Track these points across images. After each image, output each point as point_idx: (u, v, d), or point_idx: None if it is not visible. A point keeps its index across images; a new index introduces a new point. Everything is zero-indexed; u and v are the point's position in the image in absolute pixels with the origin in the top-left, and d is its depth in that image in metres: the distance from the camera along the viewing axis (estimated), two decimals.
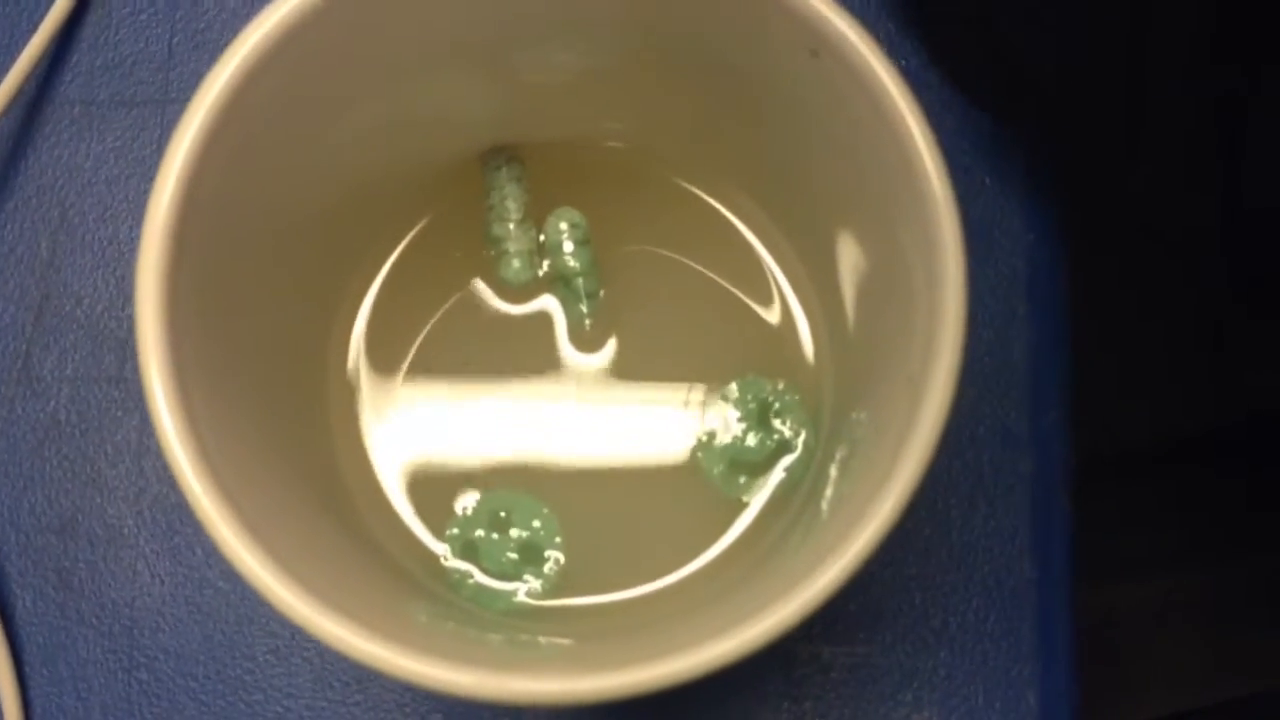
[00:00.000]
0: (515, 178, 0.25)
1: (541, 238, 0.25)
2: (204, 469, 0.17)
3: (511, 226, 0.25)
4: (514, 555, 0.24)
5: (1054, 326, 0.29)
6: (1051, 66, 0.28)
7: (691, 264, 0.25)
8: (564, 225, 0.25)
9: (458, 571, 0.24)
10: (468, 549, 0.24)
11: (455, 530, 0.24)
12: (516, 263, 0.25)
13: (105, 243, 0.30)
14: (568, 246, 0.25)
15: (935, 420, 0.17)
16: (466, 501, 0.24)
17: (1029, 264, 0.29)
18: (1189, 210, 0.29)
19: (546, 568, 0.24)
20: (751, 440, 0.25)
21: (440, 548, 0.24)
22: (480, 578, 0.24)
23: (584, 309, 0.25)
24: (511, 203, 0.25)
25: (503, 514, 0.24)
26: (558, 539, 0.24)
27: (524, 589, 0.24)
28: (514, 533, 0.24)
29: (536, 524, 0.24)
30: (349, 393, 0.25)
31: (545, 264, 0.25)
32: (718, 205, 0.25)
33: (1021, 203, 0.29)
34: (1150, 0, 0.26)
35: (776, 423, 0.25)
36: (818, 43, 0.18)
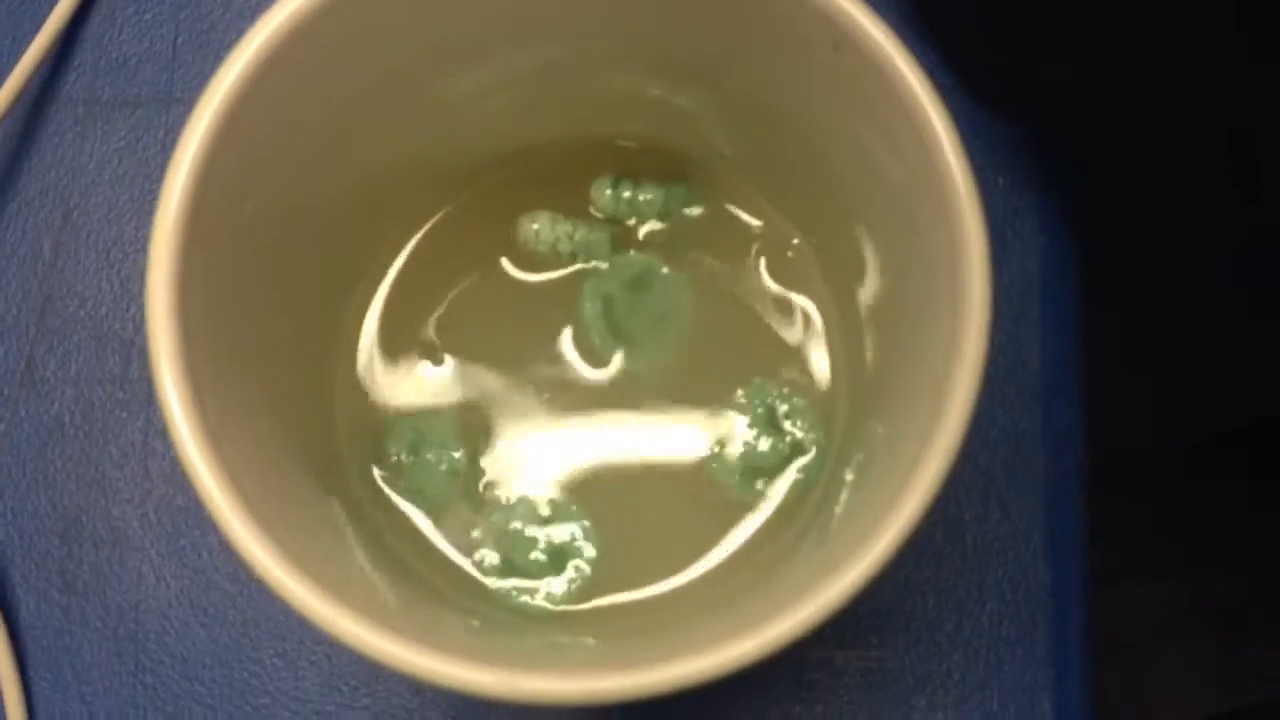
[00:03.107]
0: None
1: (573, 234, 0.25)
2: (227, 482, 0.16)
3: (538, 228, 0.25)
4: (543, 557, 0.24)
5: (1067, 328, 0.28)
6: (1064, 68, 0.27)
7: (706, 267, 0.25)
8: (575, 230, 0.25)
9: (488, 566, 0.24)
10: (502, 537, 0.24)
11: (495, 516, 0.24)
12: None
13: (109, 243, 0.29)
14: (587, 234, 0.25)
15: (958, 424, 0.17)
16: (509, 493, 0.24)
17: (1042, 266, 0.28)
18: (1202, 211, 0.29)
19: (568, 577, 0.24)
20: (764, 445, 0.24)
21: (444, 546, 0.24)
22: (507, 581, 0.24)
23: (599, 308, 0.25)
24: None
25: (545, 514, 0.24)
26: (590, 554, 0.24)
27: (542, 592, 0.24)
28: (548, 534, 0.24)
29: (572, 528, 0.24)
30: (360, 393, 0.25)
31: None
32: (734, 209, 0.25)
33: (1035, 205, 0.29)
34: (1165, 1, 0.26)
35: (787, 424, 0.24)
36: (840, 37, 0.18)
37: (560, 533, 0.24)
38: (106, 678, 0.27)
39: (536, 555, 0.24)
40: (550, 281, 0.25)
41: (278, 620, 0.27)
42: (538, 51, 0.22)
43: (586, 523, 0.24)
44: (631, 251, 0.25)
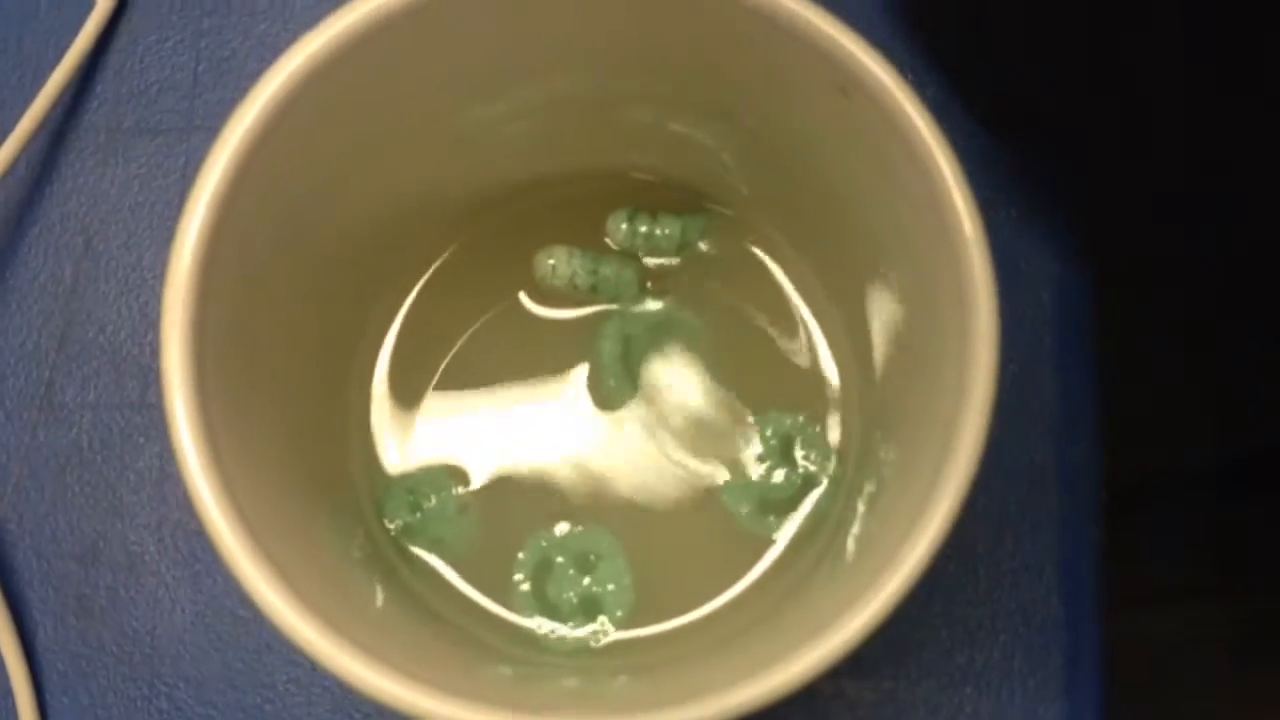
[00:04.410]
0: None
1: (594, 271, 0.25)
2: (237, 521, 0.17)
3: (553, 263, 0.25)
4: (574, 599, 0.24)
5: (1081, 358, 0.28)
6: (1075, 100, 0.27)
7: (719, 300, 0.25)
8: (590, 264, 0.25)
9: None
10: (542, 566, 0.24)
11: (543, 543, 0.24)
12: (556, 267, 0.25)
13: (129, 269, 0.30)
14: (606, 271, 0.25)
15: (967, 467, 0.17)
16: (560, 529, 0.24)
17: (1055, 295, 0.28)
18: (1212, 239, 0.29)
19: (591, 627, 0.24)
20: (778, 477, 0.24)
21: (466, 587, 0.24)
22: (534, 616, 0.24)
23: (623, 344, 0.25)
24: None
25: (592, 557, 0.24)
26: (619, 612, 0.24)
27: (562, 630, 0.24)
28: (587, 581, 0.24)
29: (612, 586, 0.24)
30: (370, 434, 0.25)
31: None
32: (748, 243, 0.25)
33: (1047, 234, 0.29)
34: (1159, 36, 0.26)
35: (800, 457, 0.24)
36: (847, 81, 0.18)
37: (598, 581, 0.24)
38: (122, 702, 0.27)
39: (569, 596, 0.24)
40: (568, 319, 0.25)
41: (291, 646, 0.27)
42: (555, 85, 0.22)
43: (627, 580, 0.24)
44: (649, 284, 0.25)
